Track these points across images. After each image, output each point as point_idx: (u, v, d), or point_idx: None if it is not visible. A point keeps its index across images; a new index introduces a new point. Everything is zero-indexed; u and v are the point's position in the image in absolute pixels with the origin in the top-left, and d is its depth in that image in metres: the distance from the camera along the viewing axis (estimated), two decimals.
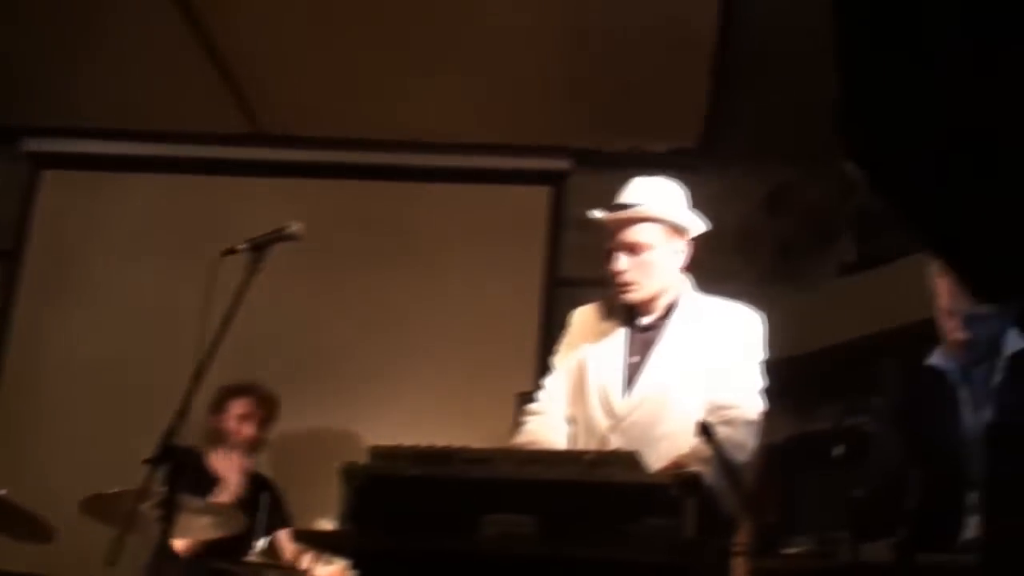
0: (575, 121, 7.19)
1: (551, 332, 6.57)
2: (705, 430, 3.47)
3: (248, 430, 6.02)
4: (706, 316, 4.18)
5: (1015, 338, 3.87)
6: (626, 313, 4.28)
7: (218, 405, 6.04)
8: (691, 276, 4.34)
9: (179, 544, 5.22)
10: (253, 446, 6.06)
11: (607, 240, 4.22)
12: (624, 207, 4.19)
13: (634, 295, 4.20)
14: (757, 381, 4.09)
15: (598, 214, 4.25)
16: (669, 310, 4.22)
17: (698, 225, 4.26)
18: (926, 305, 4.16)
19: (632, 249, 4.16)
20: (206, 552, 5.40)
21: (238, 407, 6.03)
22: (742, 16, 6.17)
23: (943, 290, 3.92)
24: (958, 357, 3.93)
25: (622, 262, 4.17)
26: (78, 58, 6.84)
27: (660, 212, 4.18)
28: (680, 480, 3.10)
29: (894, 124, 1.94)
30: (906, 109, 1.93)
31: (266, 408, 6.13)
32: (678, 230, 4.22)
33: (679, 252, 4.23)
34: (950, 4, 1.77)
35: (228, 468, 5.92)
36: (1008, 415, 3.72)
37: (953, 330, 3.90)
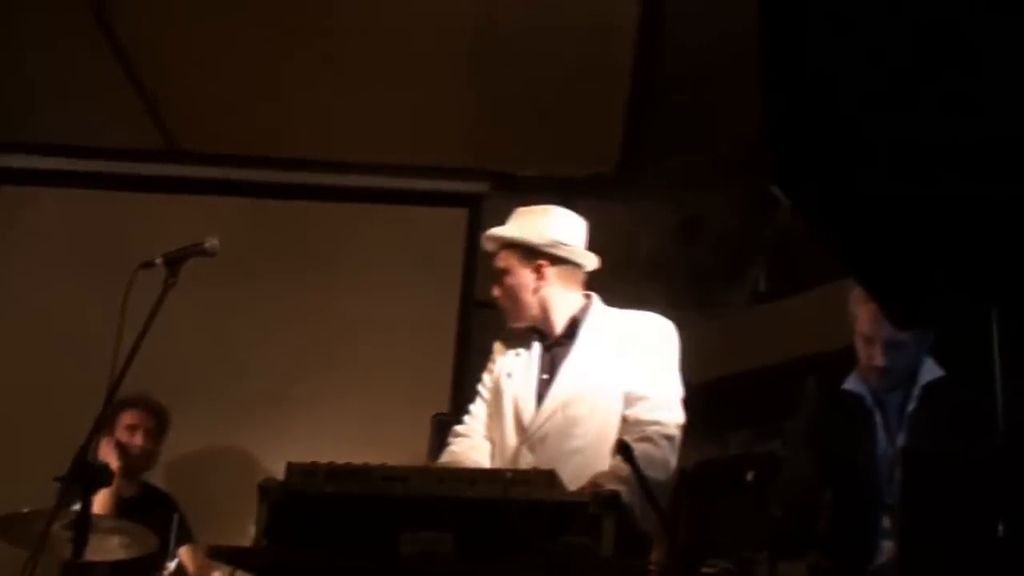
0: (493, 145, 7.22)
1: (468, 354, 6.61)
2: (623, 449, 3.49)
3: (138, 440, 5.92)
4: (615, 328, 4.22)
5: (930, 367, 3.94)
6: (539, 334, 4.32)
7: (107, 422, 5.94)
8: (597, 295, 4.39)
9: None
10: (145, 458, 5.96)
11: None
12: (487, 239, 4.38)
13: (509, 320, 4.35)
14: (675, 391, 4.13)
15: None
16: (573, 327, 4.25)
17: (550, 236, 4.28)
18: (837, 333, 4.21)
19: (498, 276, 4.33)
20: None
21: (127, 418, 5.94)
22: (660, 45, 6.24)
23: (864, 317, 3.97)
24: (874, 383, 3.99)
25: (495, 288, 4.36)
26: None
27: (502, 234, 4.32)
28: (598, 499, 3.11)
29: (822, 149, 1.98)
30: (834, 134, 1.97)
31: (155, 417, 6.04)
32: (532, 252, 4.27)
33: (538, 270, 4.28)
34: (881, 27, 1.81)
35: (124, 486, 5.83)
36: (921, 442, 3.79)
37: (872, 357, 3.95)
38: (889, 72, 1.85)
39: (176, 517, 5.41)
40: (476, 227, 7.37)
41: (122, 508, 5.39)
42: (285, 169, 7.53)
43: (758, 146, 1.98)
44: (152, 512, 5.50)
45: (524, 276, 4.26)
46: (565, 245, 4.28)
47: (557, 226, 4.30)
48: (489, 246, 4.38)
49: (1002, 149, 1.82)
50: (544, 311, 4.27)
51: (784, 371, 6.42)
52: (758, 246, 7.18)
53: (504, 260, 4.29)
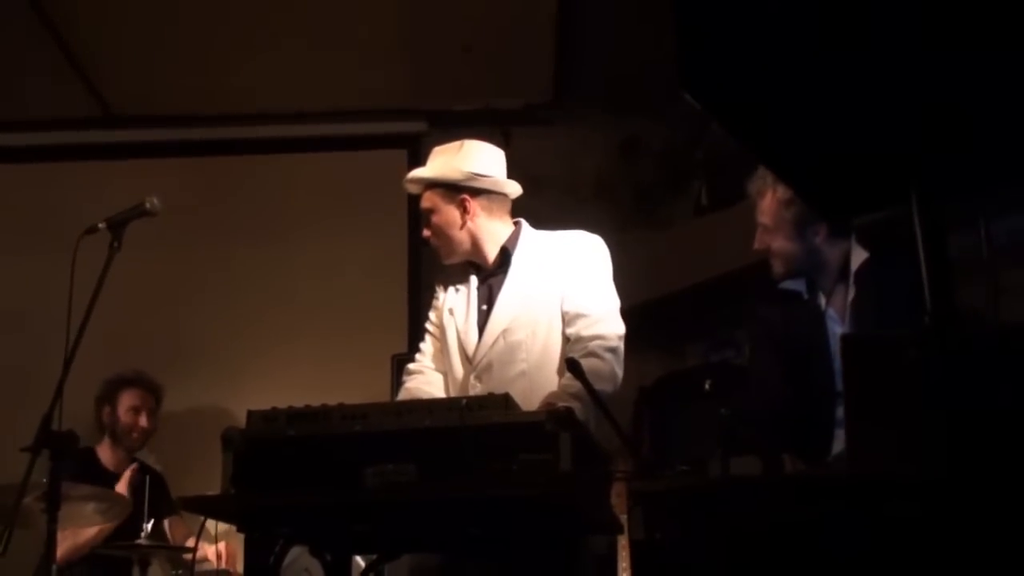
0: (427, 83, 7.24)
1: (420, 292, 6.65)
2: (572, 366, 3.56)
3: (143, 421, 6.04)
4: (546, 250, 4.29)
5: (860, 253, 4.01)
6: (474, 268, 4.40)
7: (107, 397, 6.03)
8: (536, 223, 4.43)
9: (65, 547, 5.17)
10: (145, 438, 6.08)
11: None
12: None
13: (443, 258, 4.42)
14: (612, 303, 4.20)
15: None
16: (506, 255, 4.32)
17: (464, 169, 4.33)
18: None
19: (425, 216, 4.40)
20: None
21: (128, 399, 6.03)
22: None
23: (758, 205, 4.05)
24: (773, 270, 4.07)
25: (424, 230, 4.43)
26: None
27: (420, 175, 4.39)
28: (553, 416, 3.17)
29: (729, 50, 2.04)
30: (738, 32, 2.02)
31: (155, 397, 6.15)
32: (454, 189, 4.32)
33: (462, 205, 4.33)
34: None
35: (119, 461, 5.94)
36: (862, 327, 3.86)
37: (756, 241, 4.05)
38: None
39: (147, 478, 5.48)
40: (417, 166, 7.39)
41: (113, 484, 5.54)
42: (220, 125, 7.54)
43: None
44: (140, 485, 5.57)
45: (450, 213, 4.32)
46: (486, 177, 4.33)
47: (475, 159, 4.35)
48: (412, 188, 4.45)
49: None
50: (475, 244, 4.33)
51: (734, 280, 6.49)
52: (696, 160, 7.25)
53: (428, 200, 4.36)
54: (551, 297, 4.18)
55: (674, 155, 7.41)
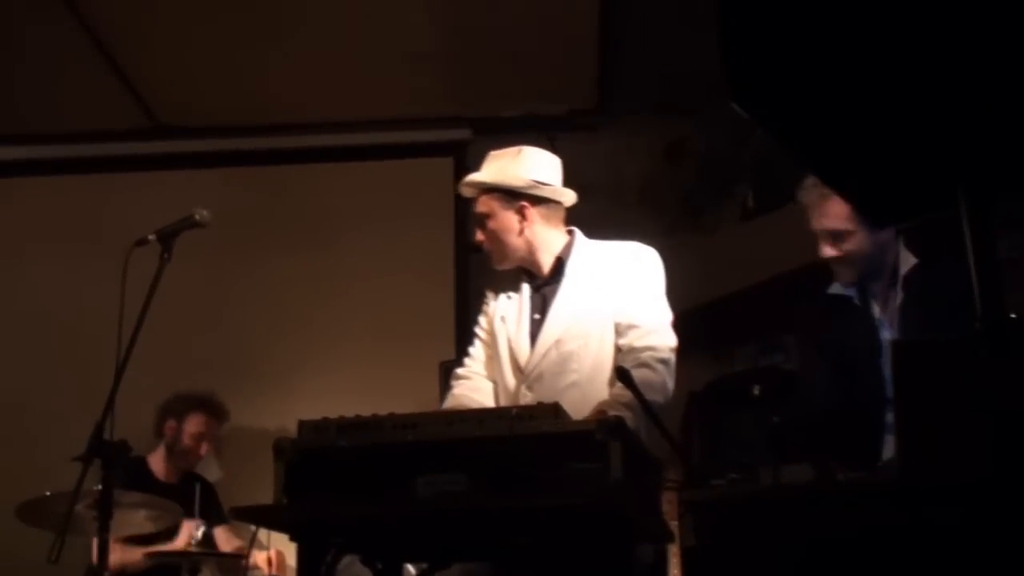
0: (472, 91, 7.26)
1: (467, 299, 6.67)
2: (623, 375, 3.56)
3: (203, 450, 6.08)
4: (600, 261, 4.27)
5: (906, 257, 3.98)
6: (527, 276, 4.37)
7: (176, 412, 6.06)
8: (584, 230, 4.41)
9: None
10: (199, 460, 6.12)
11: None
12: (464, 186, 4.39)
13: (497, 263, 4.37)
14: (664, 316, 4.18)
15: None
16: (560, 265, 4.30)
17: (527, 177, 4.32)
18: None
19: (480, 221, 4.34)
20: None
21: (194, 424, 6.07)
22: None
23: (809, 215, 4.02)
24: (841, 276, 4.04)
25: (478, 234, 4.37)
26: None
27: (482, 180, 4.33)
28: (604, 425, 3.17)
29: (775, 60, 2.03)
30: (784, 40, 2.02)
31: (220, 423, 6.19)
32: (512, 194, 4.30)
33: (521, 211, 4.30)
34: None
35: (169, 473, 5.98)
36: (911, 333, 3.84)
37: (823, 250, 4.01)
38: None
39: (198, 486, 5.52)
40: (463, 173, 7.38)
41: (164, 493, 5.50)
42: (270, 135, 7.58)
43: None
44: (191, 496, 5.61)
45: (508, 219, 4.28)
46: (546, 185, 4.31)
47: (535, 166, 4.32)
48: (468, 192, 4.40)
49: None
50: (530, 252, 4.31)
51: (782, 283, 6.47)
52: (743, 164, 7.22)
53: (485, 205, 4.31)
54: (604, 308, 4.15)
55: (720, 159, 7.38)
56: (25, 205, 7.57)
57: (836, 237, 3.96)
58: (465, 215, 7.34)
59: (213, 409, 6.15)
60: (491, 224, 4.30)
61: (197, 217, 4.24)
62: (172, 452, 6.05)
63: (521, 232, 4.29)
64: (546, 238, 4.32)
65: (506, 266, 4.36)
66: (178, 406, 6.10)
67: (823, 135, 2.24)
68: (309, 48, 6.73)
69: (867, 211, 2.94)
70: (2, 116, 7.33)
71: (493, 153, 4.40)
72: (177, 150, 7.61)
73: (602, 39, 6.71)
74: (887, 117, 2.15)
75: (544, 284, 4.32)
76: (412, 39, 6.64)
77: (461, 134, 7.55)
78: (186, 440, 6.04)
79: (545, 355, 4.16)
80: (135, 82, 7.07)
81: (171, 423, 6.06)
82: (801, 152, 2.36)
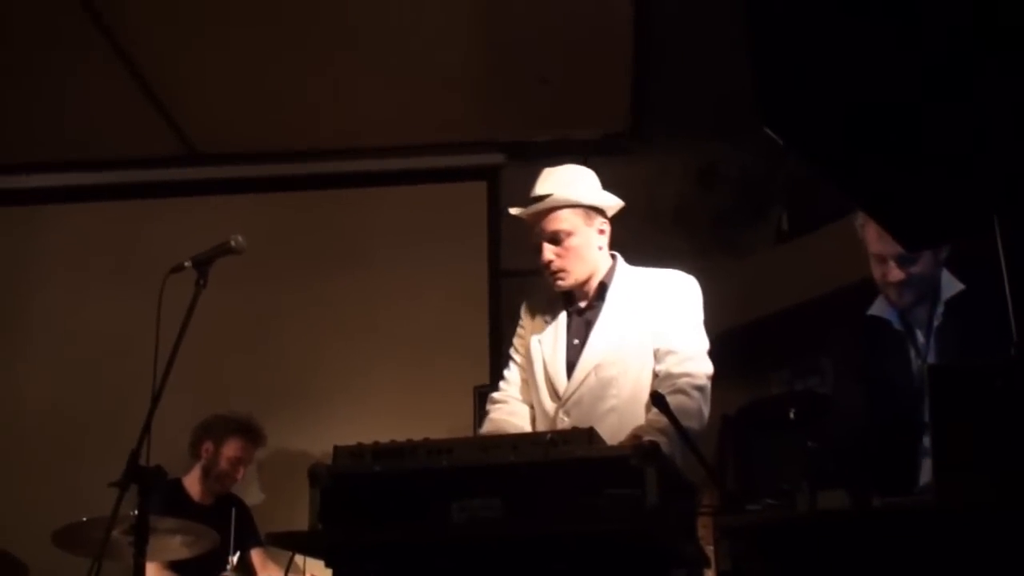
0: (505, 115, 7.27)
1: (500, 324, 6.66)
2: (659, 400, 3.55)
3: (240, 474, 6.10)
4: (641, 287, 4.25)
5: (950, 281, 3.95)
6: (565, 299, 4.36)
7: (213, 435, 6.08)
8: (619, 253, 4.40)
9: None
10: (233, 483, 6.14)
11: (532, 233, 4.30)
12: (538, 199, 4.27)
13: (565, 282, 4.28)
14: (702, 344, 4.17)
15: (515, 211, 4.35)
16: (601, 291, 4.29)
17: (611, 202, 4.32)
18: (862, 264, 4.22)
19: (554, 239, 4.25)
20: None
21: (232, 448, 6.10)
22: (657, 3, 6.26)
23: (871, 237, 3.97)
24: (895, 299, 3.99)
25: (548, 252, 4.25)
26: (3, 94, 6.85)
27: (571, 197, 4.25)
28: (639, 450, 3.17)
29: (806, 86, 2.03)
30: (817, 71, 2.02)
31: (256, 448, 6.21)
32: (593, 211, 4.28)
33: (600, 232, 4.30)
34: None
35: (204, 494, 6.00)
36: (948, 356, 3.81)
37: (886, 273, 3.96)
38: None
39: (233, 511, 5.52)
40: (496, 198, 7.44)
41: (200, 515, 5.52)
42: (303, 161, 7.61)
43: None
44: (226, 518, 5.62)
45: (590, 236, 4.26)
46: (612, 206, 4.33)
47: (598, 185, 4.34)
48: (543, 207, 4.26)
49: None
50: (592, 273, 4.29)
51: (816, 307, 6.45)
52: (776, 187, 7.21)
53: (567, 222, 4.23)
54: (644, 335, 4.15)
55: (753, 181, 7.37)
56: (62, 231, 7.63)
57: (907, 260, 3.91)
58: (498, 240, 7.37)
59: (252, 434, 6.17)
60: (572, 241, 4.23)
61: (232, 243, 4.24)
62: (208, 475, 6.07)
63: (601, 249, 4.29)
64: (603, 261, 4.32)
65: (571, 286, 4.29)
66: (217, 428, 6.12)
67: (855, 158, 2.24)
68: (344, 74, 6.76)
69: (901, 234, 2.94)
70: (41, 143, 7.40)
71: (553, 170, 4.34)
72: (213, 176, 7.66)
73: (635, 63, 6.71)
74: (921, 141, 2.14)
75: (585, 309, 4.30)
76: (446, 63, 6.66)
77: (494, 159, 7.56)
78: (223, 464, 6.07)
79: (584, 380, 4.15)
80: (171, 109, 7.13)
81: (208, 445, 6.09)
82: (833, 176, 2.36)
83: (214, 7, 6.20)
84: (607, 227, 4.32)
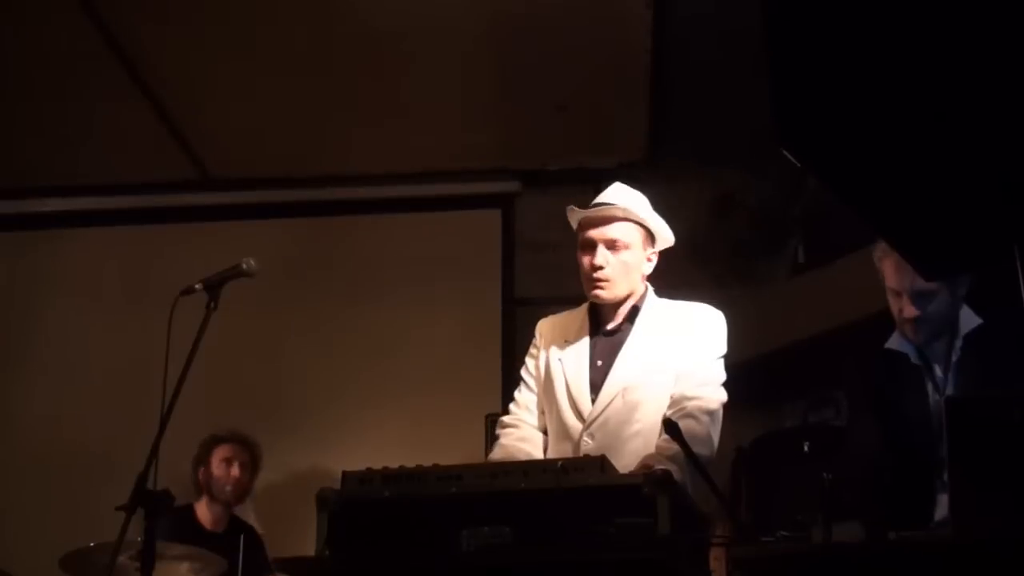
0: (520, 143, 7.26)
1: (513, 352, 6.63)
2: (670, 427, 3.51)
3: (235, 472, 6.07)
4: (670, 318, 4.21)
5: (969, 316, 3.92)
6: (591, 320, 4.31)
7: (201, 457, 6.09)
8: (650, 284, 4.38)
9: None
10: (241, 492, 6.10)
11: (584, 233, 4.23)
12: (607, 204, 4.23)
13: (606, 292, 4.21)
14: (718, 374, 4.14)
15: (576, 210, 4.28)
16: (632, 315, 4.25)
17: (668, 236, 4.30)
18: (878, 297, 4.19)
19: (612, 246, 4.19)
20: None
21: (221, 452, 6.08)
22: (677, 30, 6.26)
23: (889, 270, 3.94)
24: (911, 335, 3.96)
25: (602, 256, 4.18)
26: (16, 117, 6.87)
27: (640, 214, 4.22)
28: (651, 478, 3.14)
29: (826, 109, 2.01)
30: (836, 95, 1.99)
31: (249, 452, 6.18)
32: (651, 237, 4.26)
33: (650, 258, 4.28)
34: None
35: (216, 518, 5.97)
36: (966, 389, 3.77)
37: (902, 309, 3.93)
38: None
39: (242, 538, 5.47)
40: (510, 226, 7.42)
41: (211, 542, 5.43)
42: (317, 187, 7.62)
43: None
44: (237, 546, 5.58)
45: (642, 256, 4.23)
46: (667, 240, 4.31)
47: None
48: (615, 211, 4.22)
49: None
50: (631, 294, 4.26)
51: (832, 339, 6.42)
52: (793, 218, 7.19)
53: (629, 235, 4.19)
54: (669, 363, 4.11)
55: (770, 212, 7.35)
56: (75, 255, 7.64)
57: (921, 297, 3.88)
58: (512, 267, 7.36)
59: (235, 438, 6.17)
60: (627, 255, 4.19)
61: (244, 266, 4.20)
62: (212, 494, 6.06)
63: (644, 276, 4.27)
64: (641, 286, 4.29)
65: (608, 300, 4.23)
66: (202, 450, 6.15)
67: (874, 181, 2.21)
68: (360, 101, 6.76)
69: (918, 261, 2.91)
70: (54, 167, 7.41)
71: (624, 186, 4.33)
72: (226, 201, 7.67)
73: (653, 92, 6.71)
74: (942, 165, 2.11)
75: (614, 331, 4.26)
76: (463, 90, 6.66)
77: (510, 186, 7.56)
78: (215, 471, 6.06)
79: (611, 403, 4.09)
80: (185, 134, 7.14)
81: (201, 469, 6.11)
82: (851, 199, 2.33)
83: (231, 33, 6.23)
84: (655, 258, 4.30)
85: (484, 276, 7.34)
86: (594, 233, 4.21)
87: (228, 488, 6.08)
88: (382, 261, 7.45)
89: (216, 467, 6.08)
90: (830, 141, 2.01)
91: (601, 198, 4.29)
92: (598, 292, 4.22)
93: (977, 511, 2.91)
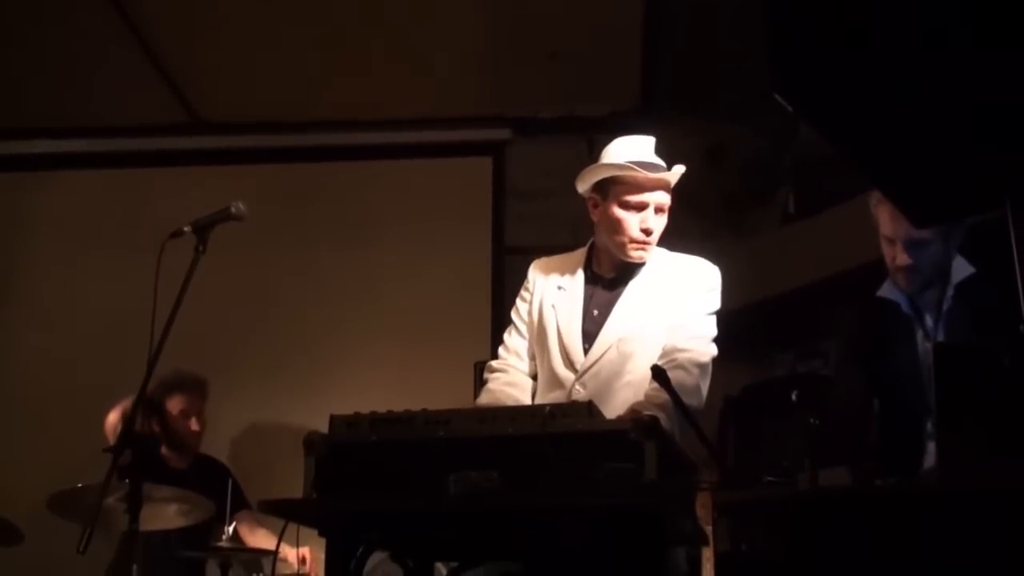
0: (512, 90, 7.23)
1: (503, 300, 6.63)
2: (659, 375, 3.51)
3: (195, 427, 5.99)
4: (668, 271, 4.19)
5: (961, 265, 3.92)
6: (586, 267, 4.29)
7: (155, 409, 5.96)
8: None
9: None
10: (199, 440, 6.06)
11: (633, 194, 4.12)
12: (658, 167, 4.16)
13: (647, 254, 4.18)
14: (710, 328, 4.13)
15: (635, 168, 4.14)
16: (632, 267, 4.22)
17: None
18: (868, 247, 4.19)
19: (660, 209, 4.15)
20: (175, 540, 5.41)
21: (176, 403, 5.97)
22: None
23: (884, 217, 3.93)
24: (903, 284, 3.96)
25: (653, 220, 4.14)
26: (4, 59, 6.83)
27: (676, 180, 4.20)
28: (638, 424, 3.13)
29: (821, 57, 1.99)
30: (831, 42, 1.98)
31: (202, 397, 6.09)
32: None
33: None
34: None
35: (176, 459, 5.93)
36: (955, 336, 3.78)
37: (895, 256, 3.92)
38: None
39: (230, 482, 5.47)
40: (501, 174, 7.41)
41: (177, 480, 5.42)
42: (308, 132, 7.60)
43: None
44: (207, 481, 5.58)
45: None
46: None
47: None
48: (674, 176, 4.17)
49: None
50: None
51: (822, 289, 6.43)
52: (784, 168, 7.17)
53: (668, 200, 4.17)
54: (664, 316, 4.10)
55: (761, 162, 7.33)
56: (63, 198, 7.62)
57: (915, 246, 3.87)
58: (502, 216, 7.35)
59: (186, 386, 6.03)
60: (664, 218, 4.17)
61: (233, 210, 4.17)
62: (172, 445, 5.93)
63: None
64: None
65: (644, 261, 4.20)
66: (151, 409, 5.81)
67: (867, 129, 2.20)
68: (351, 45, 6.72)
69: (909, 208, 2.90)
70: (42, 110, 7.38)
71: (652, 142, 4.27)
72: (216, 146, 7.65)
73: (646, 40, 6.67)
74: (935, 114, 2.10)
75: (611, 282, 4.23)
76: (454, 37, 6.62)
77: (501, 134, 7.54)
78: (173, 424, 5.92)
79: (605, 353, 4.09)
80: (176, 77, 7.10)
81: (155, 419, 5.79)
82: (843, 146, 2.32)
83: None
84: None
85: (474, 224, 7.33)
86: (648, 197, 4.14)
87: (189, 441, 6.00)
88: (372, 208, 7.44)
89: (174, 421, 5.94)
90: (825, 89, 2.00)
91: (644, 156, 4.20)
92: (641, 253, 4.18)
93: (964, 457, 2.91)
